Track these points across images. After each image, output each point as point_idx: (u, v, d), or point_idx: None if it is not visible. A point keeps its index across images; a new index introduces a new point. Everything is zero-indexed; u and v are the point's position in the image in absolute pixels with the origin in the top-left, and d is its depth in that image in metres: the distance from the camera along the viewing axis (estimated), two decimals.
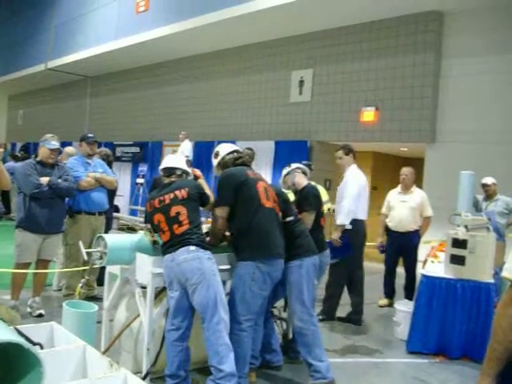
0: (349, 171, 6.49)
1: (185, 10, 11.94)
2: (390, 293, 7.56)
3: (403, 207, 7.27)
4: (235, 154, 4.42)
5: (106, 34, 14.67)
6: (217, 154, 4.45)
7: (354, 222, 6.27)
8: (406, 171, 7.38)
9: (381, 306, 7.45)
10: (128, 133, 16.33)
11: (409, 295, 7.04)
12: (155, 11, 13.07)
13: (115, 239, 4.17)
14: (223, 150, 4.45)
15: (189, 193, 4.02)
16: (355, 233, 6.29)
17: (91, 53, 15.37)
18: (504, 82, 8.49)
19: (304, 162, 6.08)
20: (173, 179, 4.19)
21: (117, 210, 12.22)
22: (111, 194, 7.15)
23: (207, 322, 3.76)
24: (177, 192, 4.01)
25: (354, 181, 6.39)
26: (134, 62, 15.57)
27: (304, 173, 5.36)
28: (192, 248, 3.84)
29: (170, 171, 4.24)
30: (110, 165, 7.35)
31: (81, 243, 4.32)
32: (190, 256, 3.80)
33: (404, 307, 6.01)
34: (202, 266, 3.81)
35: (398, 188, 7.52)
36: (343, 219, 6.26)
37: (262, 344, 4.61)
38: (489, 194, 7.49)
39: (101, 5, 15.21)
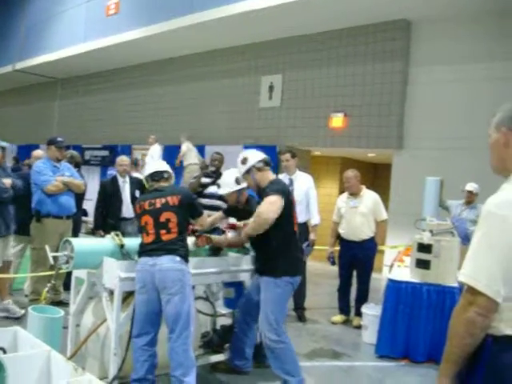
0: (298, 174, 6.77)
1: (155, 13, 11.89)
2: (345, 309, 6.93)
3: (354, 213, 6.68)
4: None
5: (76, 36, 14.51)
6: (245, 160, 4.44)
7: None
8: (350, 176, 6.77)
9: (333, 323, 6.80)
10: (97, 136, 16.16)
11: (358, 310, 6.52)
12: (125, 14, 12.99)
13: (82, 243, 4.13)
14: (253, 156, 4.45)
15: (181, 200, 4.02)
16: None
17: (60, 55, 15.17)
18: (470, 90, 8.65)
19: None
20: (162, 183, 4.19)
21: (85, 213, 12.08)
22: (79, 197, 7.08)
23: (177, 333, 3.79)
24: (169, 198, 4.01)
25: (313, 184, 6.78)
26: (104, 64, 15.44)
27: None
28: (178, 259, 3.86)
29: (159, 175, 4.23)
30: (77, 168, 7.29)
31: (47, 247, 4.26)
32: (175, 266, 3.83)
33: (371, 311, 6.07)
34: (184, 278, 3.86)
35: (347, 193, 6.93)
36: (319, 219, 6.59)
37: (236, 349, 4.64)
38: (468, 200, 7.51)
39: (70, 7, 15.03)
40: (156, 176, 4.24)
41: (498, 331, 1.93)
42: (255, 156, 4.46)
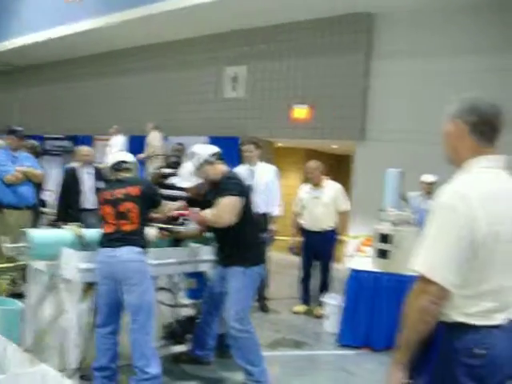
0: (260, 165, 6.73)
1: (118, 2, 11.70)
2: (307, 299, 7.01)
3: (316, 204, 6.76)
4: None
5: (36, 23, 14.16)
6: (195, 155, 4.41)
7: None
8: (311, 167, 6.85)
9: (295, 313, 6.89)
10: (59, 126, 15.87)
11: (320, 300, 6.59)
12: (87, 2, 12.76)
13: (40, 234, 4.08)
14: (204, 151, 4.42)
15: (142, 191, 3.99)
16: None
17: (19, 43, 14.84)
18: (432, 83, 8.76)
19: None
20: (124, 174, 4.17)
21: (43, 204, 11.90)
22: (38, 188, 6.96)
23: (139, 324, 3.78)
24: (130, 188, 3.98)
25: (276, 175, 6.78)
26: (66, 53, 15.15)
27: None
28: (137, 249, 3.85)
29: (121, 165, 4.20)
30: (37, 158, 7.17)
31: (4, 238, 4.19)
32: (135, 257, 3.82)
33: (333, 301, 6.14)
34: (144, 269, 3.87)
35: (309, 184, 6.99)
36: (280, 210, 6.65)
37: (199, 340, 4.65)
38: (427, 191, 7.57)
39: None
40: (118, 166, 4.21)
41: (449, 318, 1.99)
42: (206, 150, 4.44)
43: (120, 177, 4.16)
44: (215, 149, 4.49)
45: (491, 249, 1.95)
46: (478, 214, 1.91)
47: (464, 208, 1.91)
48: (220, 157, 4.45)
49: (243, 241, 4.29)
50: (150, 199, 4.09)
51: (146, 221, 4.08)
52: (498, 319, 2.00)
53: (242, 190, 4.24)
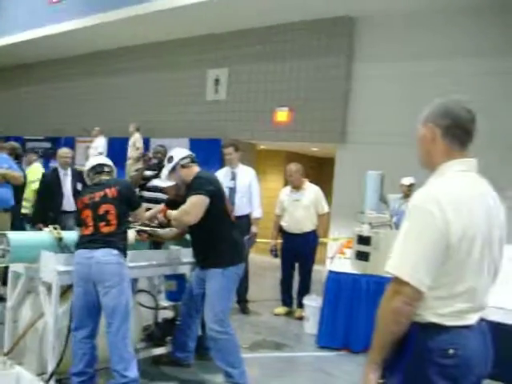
0: (241, 167, 6.80)
1: (100, 3, 11.67)
2: (287, 300, 7.06)
3: (297, 206, 6.81)
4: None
5: (18, 24, 14.08)
6: (170, 159, 4.45)
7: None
8: (292, 170, 6.88)
9: (276, 315, 6.92)
10: (39, 127, 15.74)
11: (301, 302, 6.65)
12: (68, 3, 12.70)
13: (19, 237, 4.04)
14: (178, 154, 4.46)
15: (119, 191, 3.99)
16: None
17: (1, 43, 14.73)
18: (412, 86, 8.84)
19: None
20: (103, 177, 4.16)
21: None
22: (19, 190, 6.90)
23: (115, 327, 3.77)
24: (107, 190, 3.98)
25: (256, 177, 6.84)
26: (46, 54, 15.06)
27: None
28: (115, 252, 3.83)
29: (100, 168, 4.21)
30: (17, 159, 7.12)
31: None
32: (112, 259, 3.80)
33: (313, 303, 6.18)
34: (122, 271, 3.85)
35: (290, 186, 7.05)
36: (261, 212, 6.71)
37: (179, 342, 4.65)
38: (405, 193, 7.61)
39: None
40: (97, 169, 4.21)
41: (422, 319, 2.01)
42: (179, 153, 4.48)
43: (99, 180, 4.15)
44: (188, 152, 4.55)
45: (466, 251, 1.98)
46: (450, 217, 1.94)
47: (437, 211, 1.94)
48: (193, 159, 4.49)
49: (217, 241, 4.30)
50: (127, 200, 4.08)
51: (125, 222, 4.08)
52: (471, 320, 2.03)
53: (209, 189, 4.22)
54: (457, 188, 2.03)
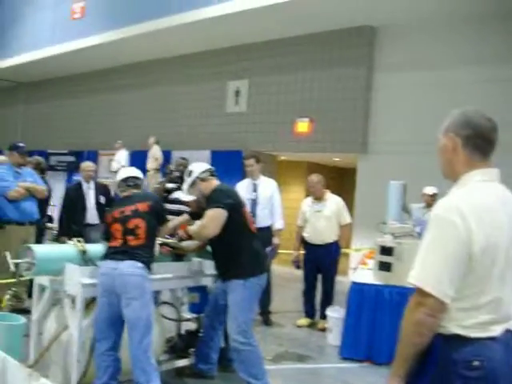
0: (262, 179, 6.82)
1: (121, 18, 11.86)
2: (310, 311, 7.00)
3: (319, 217, 6.76)
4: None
5: (41, 40, 14.36)
6: (190, 173, 4.50)
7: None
8: (314, 181, 6.86)
9: (299, 326, 6.85)
10: (62, 141, 15.99)
11: (323, 313, 6.63)
12: (91, 19, 12.92)
13: (43, 249, 4.10)
14: (197, 168, 4.51)
15: (150, 206, 4.04)
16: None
17: (25, 59, 15.00)
18: (433, 95, 8.81)
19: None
20: (134, 190, 4.22)
21: (50, 220, 11.96)
22: (44, 204, 7.01)
23: (137, 339, 3.79)
24: (139, 205, 4.03)
25: (277, 189, 6.85)
26: (69, 69, 15.31)
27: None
28: (139, 265, 3.86)
29: (133, 181, 4.26)
30: (42, 173, 7.22)
31: (8, 254, 4.21)
32: (136, 271, 3.83)
33: (336, 314, 6.14)
34: (145, 284, 3.87)
35: (311, 197, 7.01)
36: (283, 224, 6.70)
37: (202, 354, 4.65)
38: (428, 203, 7.52)
39: (35, 10, 14.87)
40: (130, 182, 4.26)
41: (446, 331, 2.00)
42: (198, 167, 4.53)
43: (129, 193, 4.20)
44: (207, 166, 4.60)
45: (489, 261, 1.96)
46: (473, 227, 1.92)
47: (459, 221, 1.93)
48: (213, 173, 4.53)
49: (237, 253, 4.31)
50: (157, 215, 4.14)
51: (153, 237, 4.11)
52: (496, 331, 2.00)
53: (227, 203, 4.25)
54: (479, 198, 2.01)
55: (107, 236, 4.09)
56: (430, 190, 7.62)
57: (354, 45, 9.82)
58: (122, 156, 12.29)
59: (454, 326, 1.99)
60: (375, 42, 9.75)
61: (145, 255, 3.94)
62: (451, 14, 8.60)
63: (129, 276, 3.80)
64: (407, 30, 9.32)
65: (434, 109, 8.66)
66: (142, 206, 4.02)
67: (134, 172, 4.40)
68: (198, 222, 4.53)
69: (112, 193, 7.82)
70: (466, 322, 1.98)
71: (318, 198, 6.87)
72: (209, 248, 4.67)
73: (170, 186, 6.90)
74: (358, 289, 5.68)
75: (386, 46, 9.60)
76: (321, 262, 6.81)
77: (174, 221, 4.77)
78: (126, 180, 4.27)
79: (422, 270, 1.99)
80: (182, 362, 4.77)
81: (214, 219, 4.20)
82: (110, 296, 3.83)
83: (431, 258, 1.98)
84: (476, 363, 1.95)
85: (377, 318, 5.53)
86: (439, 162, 2.21)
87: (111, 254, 3.92)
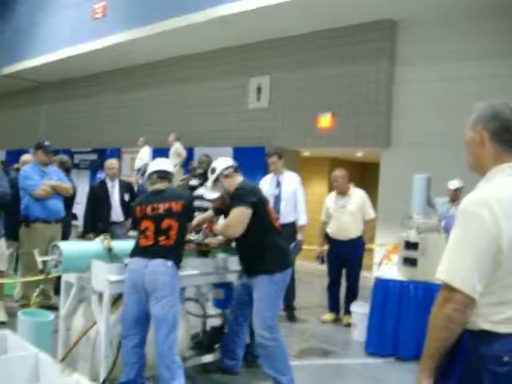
0: (286, 174, 6.81)
1: (142, 16, 11.92)
2: (335, 307, 7.00)
3: (343, 213, 6.73)
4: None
5: (63, 39, 14.50)
6: (213, 170, 4.50)
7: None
8: (338, 176, 6.83)
9: (323, 322, 6.85)
10: (86, 140, 16.14)
11: (348, 308, 6.61)
12: (112, 18, 13.00)
13: (70, 247, 4.15)
14: (220, 164, 4.50)
15: (184, 206, 4.03)
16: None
17: (47, 59, 15.15)
18: (456, 88, 8.69)
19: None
20: (165, 184, 4.16)
21: (75, 217, 12.11)
22: (69, 201, 7.08)
23: (163, 336, 3.81)
24: (173, 204, 4.00)
25: (301, 184, 6.83)
26: (91, 68, 15.42)
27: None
28: (169, 263, 3.88)
29: (165, 175, 4.21)
30: (67, 172, 7.30)
31: (36, 252, 4.27)
32: (166, 270, 3.85)
33: (361, 309, 6.12)
34: (174, 283, 3.89)
35: (335, 192, 7.00)
36: (306, 219, 6.66)
37: (227, 350, 4.67)
38: (453, 197, 7.45)
39: (57, 10, 15.02)
40: (162, 175, 4.19)
41: (475, 326, 1.98)
42: (222, 164, 4.52)
43: (159, 187, 4.15)
44: (230, 162, 4.57)
45: None
46: (502, 221, 1.90)
47: (488, 216, 1.91)
48: (236, 169, 4.52)
49: (262, 249, 4.31)
50: (188, 214, 4.16)
51: (183, 236, 4.12)
52: None
53: (251, 201, 4.25)
54: (507, 192, 1.98)
55: (137, 228, 4.08)
56: (452, 184, 7.51)
57: (376, 39, 9.73)
58: (145, 153, 12.36)
59: (482, 321, 1.97)
60: (396, 36, 9.65)
61: (175, 254, 3.96)
62: (472, 6, 8.48)
63: (158, 274, 3.82)
64: (428, 23, 9.21)
65: (457, 102, 8.60)
66: (175, 206, 3.99)
67: (166, 166, 4.32)
68: (221, 220, 4.55)
69: (135, 190, 7.88)
70: (495, 318, 1.96)
71: (342, 193, 6.85)
72: (233, 244, 4.69)
73: (193, 182, 6.95)
74: (382, 284, 5.66)
75: (407, 39, 9.50)
76: (345, 257, 6.78)
77: (198, 217, 4.79)
78: (157, 172, 4.20)
79: (451, 265, 1.97)
80: (207, 358, 4.81)
81: (238, 219, 4.22)
82: (138, 293, 3.85)
83: (460, 253, 1.96)
84: (506, 359, 1.92)
85: (402, 313, 5.51)
86: (466, 156, 2.19)
87: (141, 252, 3.94)
